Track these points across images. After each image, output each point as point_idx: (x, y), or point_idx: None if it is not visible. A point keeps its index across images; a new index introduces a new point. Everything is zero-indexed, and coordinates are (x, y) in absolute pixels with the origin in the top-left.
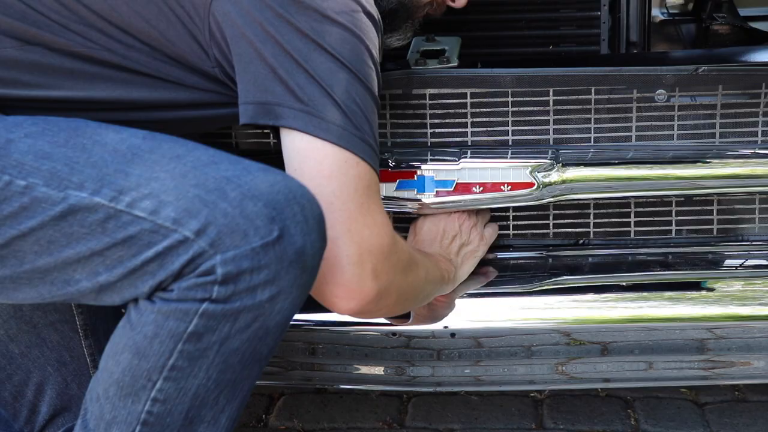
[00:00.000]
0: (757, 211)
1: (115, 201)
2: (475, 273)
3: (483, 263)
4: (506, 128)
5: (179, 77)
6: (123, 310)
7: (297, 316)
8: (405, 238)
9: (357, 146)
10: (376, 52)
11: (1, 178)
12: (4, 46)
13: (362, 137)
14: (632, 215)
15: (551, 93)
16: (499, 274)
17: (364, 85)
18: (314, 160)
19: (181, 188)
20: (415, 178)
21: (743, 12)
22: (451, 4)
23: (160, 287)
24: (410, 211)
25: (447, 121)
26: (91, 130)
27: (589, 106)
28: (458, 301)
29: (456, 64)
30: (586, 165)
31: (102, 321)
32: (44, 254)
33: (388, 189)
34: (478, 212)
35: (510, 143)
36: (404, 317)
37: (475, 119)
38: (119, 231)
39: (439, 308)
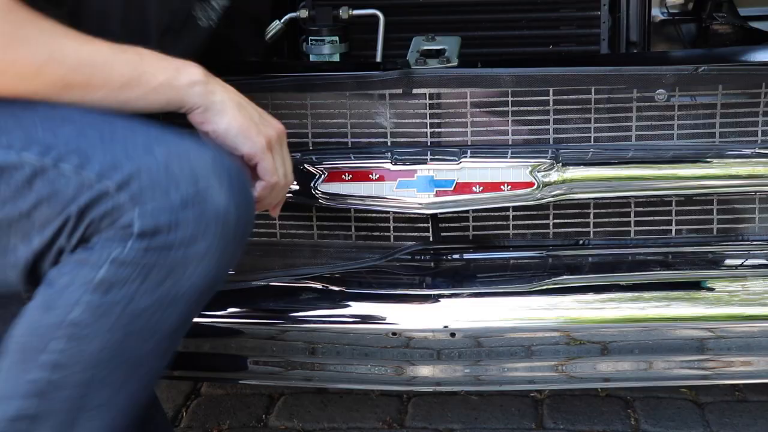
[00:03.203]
0: (757, 211)
1: (42, 156)
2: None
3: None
4: (506, 128)
5: None
6: None
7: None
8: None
9: None
10: None
11: None
12: None
13: None
14: (632, 215)
15: (551, 93)
16: (499, 274)
17: None
18: None
19: (108, 144)
20: (415, 177)
21: (743, 12)
22: None
23: (83, 241)
24: (410, 211)
25: (447, 121)
26: (23, 102)
27: (589, 106)
28: (458, 301)
29: (456, 63)
30: (586, 165)
31: None
32: None
33: (388, 189)
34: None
35: (510, 143)
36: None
37: (475, 119)
38: (45, 187)
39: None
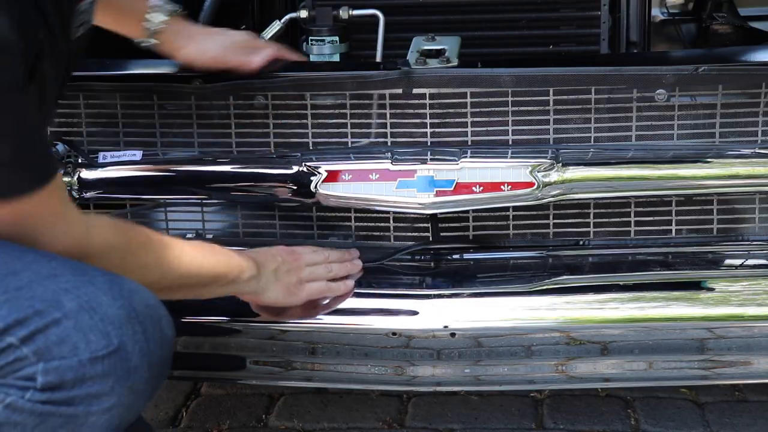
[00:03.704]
0: (757, 211)
1: None
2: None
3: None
4: (506, 128)
5: None
6: None
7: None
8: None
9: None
10: None
11: None
12: None
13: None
14: (632, 215)
15: (551, 93)
16: (499, 274)
17: None
18: None
19: (14, 302)
20: (415, 178)
21: (743, 12)
22: None
23: None
24: (410, 211)
25: (447, 121)
26: None
27: (589, 106)
28: (458, 301)
29: (456, 63)
30: (586, 165)
31: None
32: None
33: (388, 189)
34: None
35: (510, 143)
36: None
37: (475, 119)
38: None
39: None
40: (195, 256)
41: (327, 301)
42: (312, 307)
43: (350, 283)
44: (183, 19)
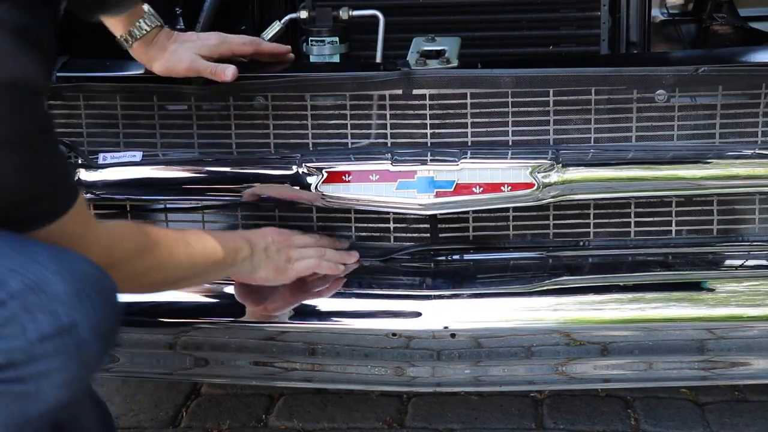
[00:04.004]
0: (757, 211)
1: None
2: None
3: None
4: (506, 128)
5: None
6: None
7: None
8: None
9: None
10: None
11: None
12: None
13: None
14: (632, 215)
15: (551, 93)
16: (500, 274)
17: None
18: None
19: None
20: (415, 178)
21: (743, 12)
22: None
23: None
24: (410, 212)
25: (447, 121)
26: None
27: (589, 107)
28: (458, 302)
29: (456, 64)
30: (586, 165)
31: None
32: None
33: (388, 189)
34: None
35: (510, 143)
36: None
37: (475, 119)
38: None
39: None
40: (201, 246)
41: (318, 288)
42: (301, 291)
43: (341, 267)
44: (163, 31)
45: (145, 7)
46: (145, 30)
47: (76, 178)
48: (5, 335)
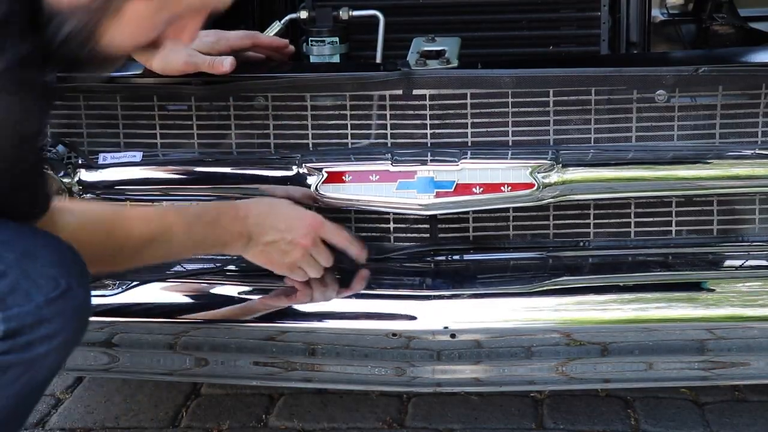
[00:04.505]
0: (757, 211)
1: None
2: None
3: None
4: (506, 128)
5: None
6: None
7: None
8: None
9: None
10: None
11: None
12: None
13: None
14: (632, 216)
15: (551, 93)
16: (500, 275)
17: None
18: None
19: None
20: (415, 178)
21: (743, 12)
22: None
23: None
24: (410, 212)
25: (447, 121)
26: None
27: (589, 107)
28: (458, 302)
29: (456, 64)
30: (586, 165)
31: None
32: None
33: (388, 190)
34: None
35: (510, 143)
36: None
37: (475, 119)
38: None
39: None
40: (180, 240)
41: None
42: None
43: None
44: None
45: None
46: None
47: (77, 178)
48: (13, 304)
